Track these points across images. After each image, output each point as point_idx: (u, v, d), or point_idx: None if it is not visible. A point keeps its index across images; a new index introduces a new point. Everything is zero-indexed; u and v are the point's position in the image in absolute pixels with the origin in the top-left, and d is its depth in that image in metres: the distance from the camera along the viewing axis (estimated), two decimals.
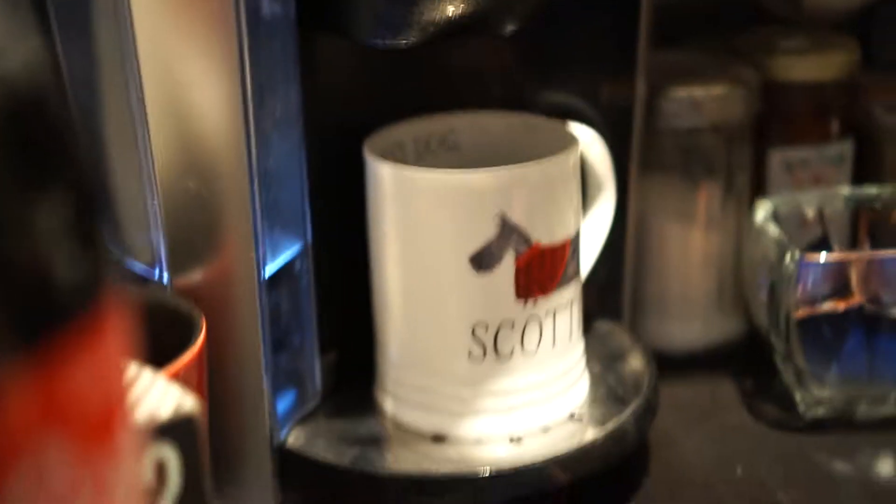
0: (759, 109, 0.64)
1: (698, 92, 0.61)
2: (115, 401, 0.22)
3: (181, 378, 0.42)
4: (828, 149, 0.66)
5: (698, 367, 0.64)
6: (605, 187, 0.55)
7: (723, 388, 0.62)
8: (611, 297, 0.61)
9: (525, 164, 0.49)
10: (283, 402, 0.51)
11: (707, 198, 0.63)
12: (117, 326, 0.22)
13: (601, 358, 0.57)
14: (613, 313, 0.61)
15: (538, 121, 0.55)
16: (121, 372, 0.22)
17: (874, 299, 0.57)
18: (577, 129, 0.53)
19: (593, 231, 0.56)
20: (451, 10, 0.45)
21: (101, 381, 0.21)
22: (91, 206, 0.21)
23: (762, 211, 0.60)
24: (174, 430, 0.32)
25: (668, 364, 0.60)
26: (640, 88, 0.57)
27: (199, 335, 0.45)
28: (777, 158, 0.66)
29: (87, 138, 0.50)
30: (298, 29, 0.47)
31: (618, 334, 0.60)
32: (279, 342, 0.50)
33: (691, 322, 0.65)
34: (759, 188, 0.66)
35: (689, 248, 0.64)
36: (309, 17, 0.47)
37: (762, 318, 0.59)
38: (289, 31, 0.46)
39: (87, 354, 0.21)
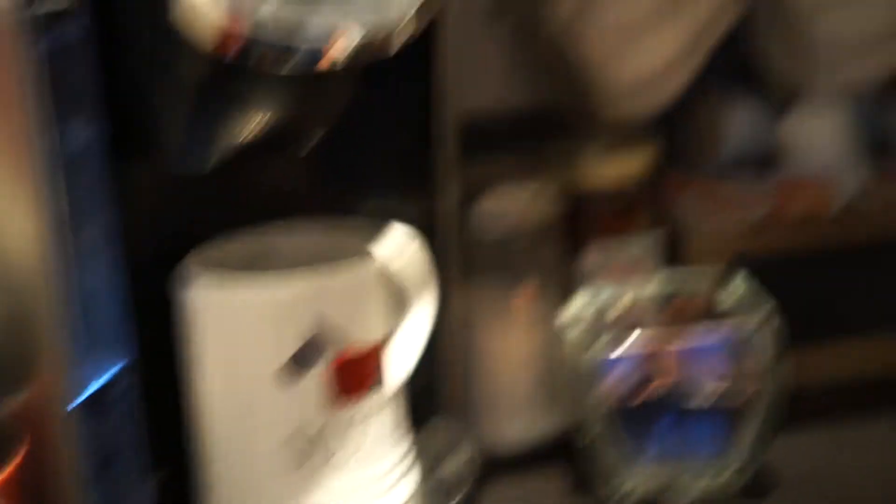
0: (568, 212, 0.68)
1: (507, 199, 0.65)
2: None
3: None
4: (635, 244, 0.71)
5: (525, 461, 0.66)
6: (420, 290, 0.58)
7: (548, 480, 0.65)
8: (438, 397, 0.63)
9: (330, 269, 0.50)
10: None
11: (523, 299, 0.66)
12: None
13: (428, 456, 0.59)
14: (441, 412, 0.63)
15: (352, 228, 0.57)
16: None
17: (681, 383, 0.60)
18: (389, 234, 0.56)
19: (412, 333, 0.58)
20: (244, 135, 0.48)
21: None
22: None
23: (573, 307, 0.64)
24: None
25: (495, 459, 0.63)
26: (449, 198, 0.60)
27: (16, 456, 0.45)
28: (588, 257, 0.70)
29: None
30: (110, 156, 0.48)
31: (445, 432, 0.62)
32: (103, 463, 0.51)
33: (517, 419, 0.67)
34: (573, 286, 0.69)
35: (509, 348, 0.67)
36: (119, 146, 0.49)
37: (578, 410, 0.62)
38: (99, 159, 0.48)
39: None
